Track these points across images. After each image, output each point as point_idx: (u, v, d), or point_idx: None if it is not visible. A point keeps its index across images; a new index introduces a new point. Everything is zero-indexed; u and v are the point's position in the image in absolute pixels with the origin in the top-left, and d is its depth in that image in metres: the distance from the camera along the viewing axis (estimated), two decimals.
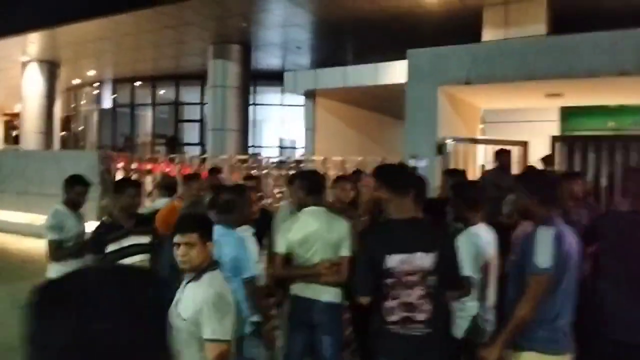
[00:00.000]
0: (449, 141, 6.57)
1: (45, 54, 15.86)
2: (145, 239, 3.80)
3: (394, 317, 2.64)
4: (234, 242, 3.08)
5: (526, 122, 9.74)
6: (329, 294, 3.29)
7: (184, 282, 2.47)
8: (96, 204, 9.63)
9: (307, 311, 3.22)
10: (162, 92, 19.10)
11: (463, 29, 10.34)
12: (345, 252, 3.28)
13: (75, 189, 4.26)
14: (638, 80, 6.01)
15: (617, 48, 5.91)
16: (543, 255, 2.62)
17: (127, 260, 3.78)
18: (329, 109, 12.56)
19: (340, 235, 3.27)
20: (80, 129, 21.25)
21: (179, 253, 2.43)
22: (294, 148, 17.97)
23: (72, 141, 20.78)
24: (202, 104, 17.87)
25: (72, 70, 17.73)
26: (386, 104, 13.31)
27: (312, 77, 12.02)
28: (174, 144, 17.91)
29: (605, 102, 8.37)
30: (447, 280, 2.70)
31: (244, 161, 10.55)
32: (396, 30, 11.67)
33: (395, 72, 10.31)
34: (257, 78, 15.91)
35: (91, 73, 18.17)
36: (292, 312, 3.34)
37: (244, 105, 14.51)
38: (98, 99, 20.45)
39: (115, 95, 19.98)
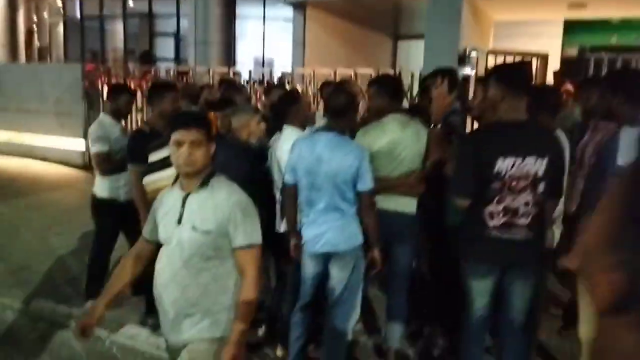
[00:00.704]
0: (473, 52, 6.36)
1: None
2: None
3: (495, 222, 2.59)
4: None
5: (529, 36, 9.55)
6: (410, 206, 3.22)
7: (179, 194, 2.17)
8: (81, 121, 9.14)
9: (387, 224, 3.12)
10: (132, 3, 17.85)
11: None
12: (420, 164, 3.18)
13: (121, 98, 4.01)
14: None
15: None
16: (627, 157, 2.55)
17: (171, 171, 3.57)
18: (320, 22, 11.99)
19: (425, 144, 3.13)
20: (44, 43, 19.89)
21: (182, 153, 2.07)
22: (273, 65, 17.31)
23: (36, 56, 19.50)
24: (177, 15, 16.84)
25: None
26: (378, 17, 12.81)
27: None
28: (149, 60, 16.99)
29: (629, 14, 8.20)
30: (553, 188, 2.61)
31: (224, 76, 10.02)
32: None
33: None
34: None
35: None
36: None
37: (229, 16, 13.74)
38: (63, 9, 19.02)
39: (82, 6, 18.59)
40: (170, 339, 2.19)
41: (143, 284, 2.47)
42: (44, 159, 9.49)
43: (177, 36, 16.99)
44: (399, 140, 3.10)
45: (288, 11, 12.55)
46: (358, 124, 3.37)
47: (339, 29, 12.66)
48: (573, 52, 8.76)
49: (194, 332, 2.12)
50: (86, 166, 8.95)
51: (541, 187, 2.54)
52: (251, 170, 3.28)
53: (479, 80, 3.56)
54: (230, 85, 5.28)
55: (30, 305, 4.21)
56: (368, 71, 7.14)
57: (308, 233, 3.07)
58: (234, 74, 9.40)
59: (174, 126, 2.13)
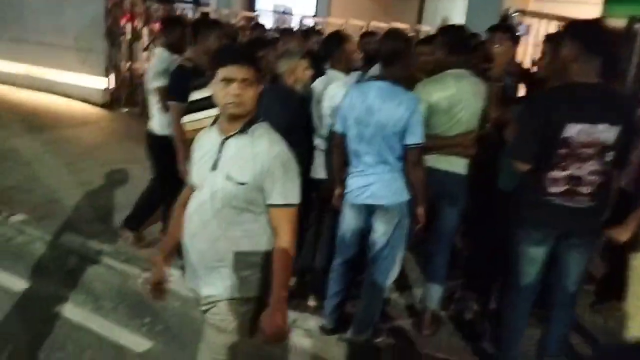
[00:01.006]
0: (515, 14, 6.10)
1: None
2: None
3: (556, 189, 2.49)
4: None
5: (568, 2, 9.18)
6: (462, 166, 3.13)
7: (217, 137, 1.97)
8: (103, 58, 8.96)
9: (438, 183, 3.04)
10: None
11: None
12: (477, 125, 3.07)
13: (175, 32, 3.94)
14: None
15: None
16: None
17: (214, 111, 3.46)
18: None
19: (486, 103, 3.01)
20: None
21: (231, 91, 1.84)
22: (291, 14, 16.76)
23: None
24: None
25: None
26: None
27: None
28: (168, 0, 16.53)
29: None
30: (620, 158, 2.50)
31: (251, 19, 9.73)
32: None
33: None
34: None
35: None
36: None
37: None
38: None
39: None
40: (197, 288, 2.06)
41: None
42: (64, 95, 9.35)
43: None
44: (459, 97, 2.97)
45: None
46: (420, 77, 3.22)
47: None
48: (618, 22, 8.43)
49: (221, 291, 1.97)
50: (107, 104, 8.84)
51: (609, 155, 2.43)
52: (295, 117, 3.18)
53: (548, 38, 3.37)
54: (265, 30, 5.13)
55: (61, 238, 4.20)
56: (403, 26, 6.89)
57: (353, 183, 2.99)
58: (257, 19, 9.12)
59: (223, 61, 1.87)
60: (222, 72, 1.86)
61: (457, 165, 3.10)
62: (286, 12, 16.08)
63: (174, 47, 3.91)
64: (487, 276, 3.42)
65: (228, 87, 1.84)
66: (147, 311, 3.37)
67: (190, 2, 16.63)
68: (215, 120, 2.03)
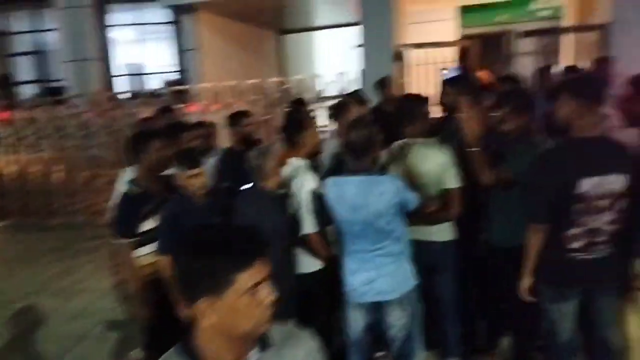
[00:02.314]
0: (405, 48, 6.32)
1: None
2: None
3: (577, 244, 2.47)
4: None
5: (427, 22, 9.81)
6: (441, 233, 3.02)
7: None
8: None
9: (423, 255, 2.92)
10: None
11: None
12: (452, 183, 2.98)
13: None
14: None
15: None
16: None
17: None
18: (207, 24, 11.26)
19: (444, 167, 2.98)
20: None
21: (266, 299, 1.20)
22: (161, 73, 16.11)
23: None
24: (42, 31, 14.93)
25: None
26: (268, 14, 12.39)
27: None
28: (6, 85, 14.95)
29: None
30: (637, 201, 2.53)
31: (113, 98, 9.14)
32: None
33: None
34: None
35: None
36: None
37: (101, 27, 12.48)
38: None
39: None
40: None
41: None
42: None
43: (41, 54, 15.09)
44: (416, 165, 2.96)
45: (165, 15, 11.78)
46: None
47: (233, 32, 12.05)
48: (474, 31, 9.25)
49: None
50: None
51: (622, 203, 2.45)
52: (286, 220, 2.89)
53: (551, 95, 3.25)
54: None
55: None
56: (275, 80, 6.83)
57: (354, 281, 2.75)
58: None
59: (244, 259, 1.20)
60: (248, 277, 1.20)
61: (432, 233, 3.03)
62: (143, 73, 15.31)
63: None
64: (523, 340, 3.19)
65: (261, 292, 1.22)
66: None
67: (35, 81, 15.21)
68: None
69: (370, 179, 2.62)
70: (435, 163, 3.00)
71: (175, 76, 12.51)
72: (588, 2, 7.15)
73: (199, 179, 2.85)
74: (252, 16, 12.07)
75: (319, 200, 2.82)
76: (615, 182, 2.40)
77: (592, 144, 2.42)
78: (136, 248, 2.90)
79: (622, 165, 2.43)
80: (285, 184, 2.91)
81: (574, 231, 2.45)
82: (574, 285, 2.57)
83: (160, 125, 4.34)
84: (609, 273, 2.57)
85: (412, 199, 2.68)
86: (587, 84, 2.53)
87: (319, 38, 15.76)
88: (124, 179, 3.29)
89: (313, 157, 3.15)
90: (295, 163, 3.05)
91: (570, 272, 2.53)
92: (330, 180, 2.78)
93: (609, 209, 2.43)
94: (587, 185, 2.37)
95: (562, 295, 2.58)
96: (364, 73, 6.49)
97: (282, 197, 2.91)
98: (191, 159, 2.87)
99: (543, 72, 5.04)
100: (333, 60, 14.28)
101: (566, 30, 8.16)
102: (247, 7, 11.02)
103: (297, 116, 3.46)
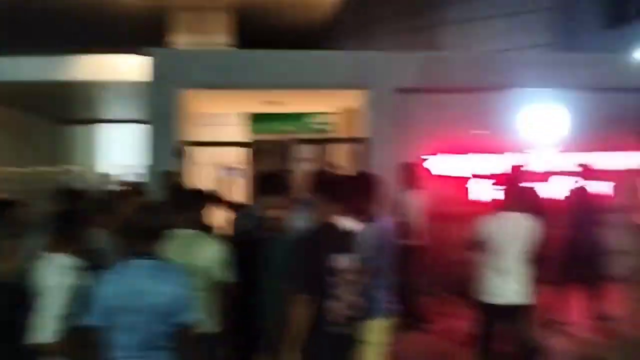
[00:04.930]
0: (186, 146, 6.51)
1: None
2: None
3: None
4: None
5: (220, 125, 10.29)
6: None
7: None
8: None
9: None
10: None
11: (147, 31, 10.09)
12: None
13: None
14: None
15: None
16: None
17: None
18: None
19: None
20: None
21: None
22: None
23: None
24: None
25: None
26: (45, 103, 11.59)
27: None
28: None
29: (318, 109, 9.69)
30: None
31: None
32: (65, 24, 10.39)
33: (66, 68, 9.56)
34: None
35: None
36: None
37: None
38: None
39: None
40: None
41: None
42: None
43: None
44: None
45: None
46: None
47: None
48: (264, 137, 9.95)
49: None
50: None
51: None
52: None
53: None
54: None
55: None
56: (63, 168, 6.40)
57: None
58: None
59: None
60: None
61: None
62: None
63: None
64: None
65: None
66: None
67: None
68: None
69: (161, 263, 2.51)
70: (204, 255, 3.02)
71: None
72: (353, 118, 8.35)
73: None
74: (29, 105, 11.17)
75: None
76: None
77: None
78: None
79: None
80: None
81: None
82: None
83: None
84: None
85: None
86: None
87: (108, 131, 15.25)
88: None
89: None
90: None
91: None
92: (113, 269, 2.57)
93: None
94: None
95: None
96: (150, 168, 6.51)
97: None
98: None
99: (315, 175, 5.63)
100: (118, 154, 13.88)
101: (332, 140, 9.34)
102: (21, 95, 10.21)
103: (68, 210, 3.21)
